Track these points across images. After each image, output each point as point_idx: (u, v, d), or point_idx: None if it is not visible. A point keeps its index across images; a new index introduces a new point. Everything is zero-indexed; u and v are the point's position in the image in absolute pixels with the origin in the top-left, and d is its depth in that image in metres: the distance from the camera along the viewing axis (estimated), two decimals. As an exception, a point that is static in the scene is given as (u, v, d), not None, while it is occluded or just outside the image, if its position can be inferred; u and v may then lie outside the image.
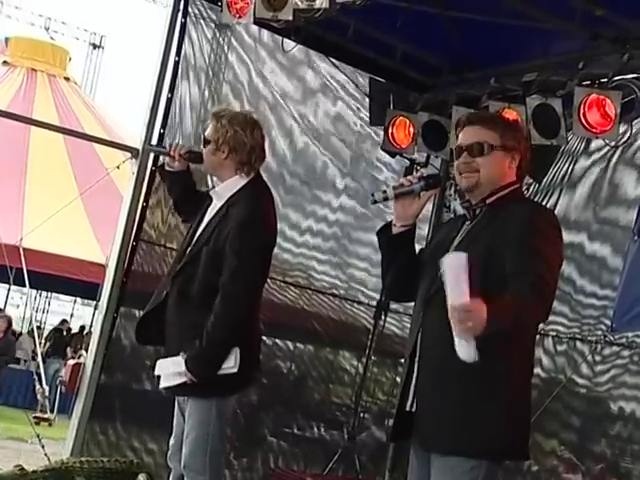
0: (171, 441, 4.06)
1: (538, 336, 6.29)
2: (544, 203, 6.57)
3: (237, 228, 3.83)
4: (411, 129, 6.73)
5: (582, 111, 5.54)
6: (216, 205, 3.99)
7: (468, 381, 2.98)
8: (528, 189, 6.71)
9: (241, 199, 3.93)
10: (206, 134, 4.04)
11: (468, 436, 2.95)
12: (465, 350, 2.80)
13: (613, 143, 5.84)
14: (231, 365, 3.79)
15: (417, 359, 3.18)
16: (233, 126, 3.98)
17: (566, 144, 6.15)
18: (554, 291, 3.09)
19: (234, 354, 3.79)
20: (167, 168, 4.21)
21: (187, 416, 3.87)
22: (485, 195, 3.22)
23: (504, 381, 3.06)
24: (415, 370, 3.18)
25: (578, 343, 6.23)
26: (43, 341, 17.05)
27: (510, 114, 5.94)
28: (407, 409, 3.17)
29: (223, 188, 4.00)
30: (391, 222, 3.33)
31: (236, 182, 3.98)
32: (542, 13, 5.61)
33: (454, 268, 2.82)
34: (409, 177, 3.33)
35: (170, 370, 3.85)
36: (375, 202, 3.35)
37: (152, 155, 6.29)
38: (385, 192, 3.28)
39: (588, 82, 5.68)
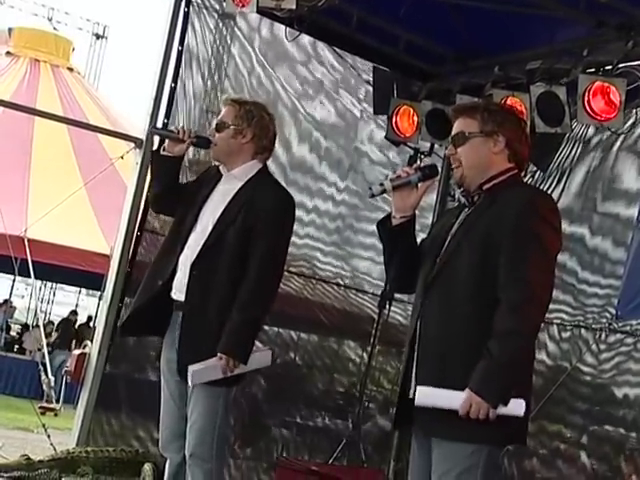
0: (163, 430, 4.03)
1: (543, 324, 6.40)
2: (549, 191, 6.58)
3: (272, 212, 3.89)
4: (415, 118, 6.72)
5: (586, 99, 5.53)
6: (230, 188, 3.98)
7: (468, 366, 2.98)
8: (533, 177, 6.72)
9: (266, 182, 4.00)
10: (223, 119, 4.03)
11: (468, 421, 2.94)
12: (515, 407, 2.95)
13: (618, 130, 5.83)
14: None
15: (417, 346, 3.19)
16: (259, 111, 4.04)
17: (571, 132, 6.14)
18: (550, 282, 3.09)
19: None
20: (164, 153, 4.16)
21: (192, 404, 3.86)
22: (481, 182, 3.22)
23: None
24: (415, 357, 3.19)
25: (583, 331, 6.24)
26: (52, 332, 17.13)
27: (513, 102, 5.95)
28: (409, 396, 3.17)
29: (240, 171, 4.00)
30: (390, 214, 3.34)
31: (254, 166, 4.01)
32: (546, 0, 5.59)
33: (429, 398, 2.99)
34: (405, 168, 3.34)
35: (203, 365, 3.81)
36: (373, 195, 3.37)
37: (156, 144, 6.28)
38: (382, 185, 3.29)
39: (592, 69, 5.66)
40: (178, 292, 3.92)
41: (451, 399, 2.98)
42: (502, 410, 2.93)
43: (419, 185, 3.28)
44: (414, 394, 3.12)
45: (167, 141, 4.16)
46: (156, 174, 4.26)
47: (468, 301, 3.07)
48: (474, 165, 3.23)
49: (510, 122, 3.26)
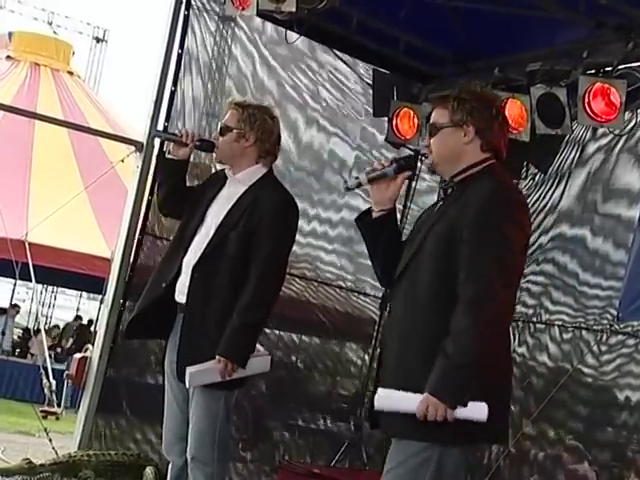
0: (165, 433, 4.04)
1: (544, 325, 6.40)
2: (549, 193, 6.58)
3: (274, 215, 3.88)
4: (415, 120, 6.72)
5: (587, 100, 5.53)
6: (234, 191, 3.99)
7: (429, 365, 2.93)
8: (533, 179, 6.72)
9: (270, 186, 3.98)
10: (226, 122, 4.04)
11: (425, 421, 2.89)
12: (476, 410, 2.89)
13: (618, 132, 5.83)
14: None
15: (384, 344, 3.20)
16: (263, 115, 4.04)
17: (571, 133, 6.14)
18: (512, 278, 3.00)
19: None
20: (169, 156, 4.17)
21: (193, 407, 3.87)
22: (454, 174, 3.18)
23: None
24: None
25: (584, 332, 6.23)
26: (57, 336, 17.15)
27: (513, 103, 5.94)
28: None
29: (244, 175, 4.00)
30: (370, 208, 3.31)
31: (257, 170, 4.01)
32: (546, 2, 5.59)
33: (386, 401, 2.96)
34: (382, 161, 3.31)
35: (202, 367, 3.82)
36: (349, 189, 3.35)
37: (157, 148, 6.28)
38: (358, 178, 3.27)
39: (593, 71, 5.66)
40: (181, 295, 3.92)
41: (409, 401, 2.93)
42: (463, 414, 2.88)
43: (396, 177, 3.25)
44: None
45: (172, 145, 4.16)
46: (162, 177, 4.27)
47: (430, 297, 3.02)
48: (444, 156, 3.19)
49: (480, 110, 3.17)
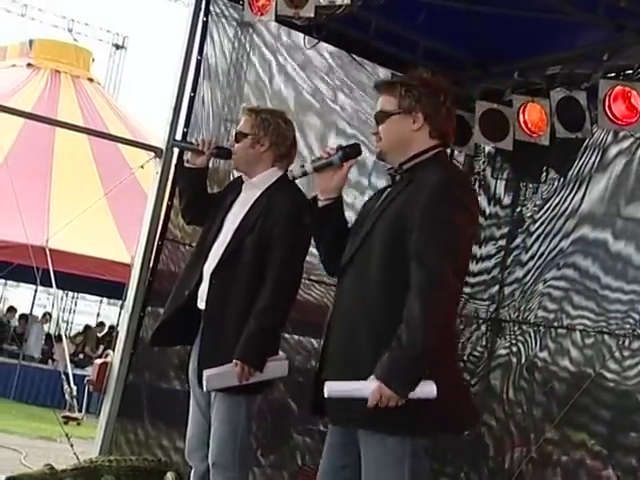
0: (189, 438, 4.05)
1: (565, 330, 6.36)
2: (570, 197, 6.54)
3: (288, 217, 3.88)
4: (434, 124, 6.69)
5: (607, 103, 5.50)
6: (250, 196, 3.99)
7: (376, 353, 2.91)
8: (553, 183, 6.69)
9: (284, 189, 3.96)
10: (241, 129, 4.05)
11: (389, 411, 2.87)
12: (426, 389, 2.86)
13: (639, 135, 5.80)
14: None
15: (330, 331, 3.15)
16: (276, 119, 4.05)
17: (591, 137, 6.11)
18: (461, 266, 3.01)
19: None
20: (187, 165, 4.19)
21: (214, 412, 3.87)
22: (402, 161, 3.16)
23: None
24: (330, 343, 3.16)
25: (606, 337, 6.18)
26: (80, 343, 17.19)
27: (533, 107, 5.91)
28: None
29: (260, 179, 4.02)
30: (316, 197, 3.29)
31: (273, 174, 4.02)
32: (565, 5, 5.56)
33: (335, 391, 2.93)
34: (327, 149, 3.26)
35: (219, 371, 3.81)
36: (294, 178, 3.33)
37: (176, 154, 6.30)
38: (303, 167, 3.25)
39: (613, 74, 5.64)
40: (202, 301, 3.93)
41: (361, 390, 2.90)
42: (415, 395, 2.86)
43: (342, 165, 3.23)
44: (327, 380, 3.07)
45: (189, 153, 4.18)
46: (182, 185, 4.30)
47: (380, 285, 3.00)
48: (393, 143, 3.17)
49: (428, 97, 3.15)
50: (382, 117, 3.19)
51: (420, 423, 2.93)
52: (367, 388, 2.89)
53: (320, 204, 3.26)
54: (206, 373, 3.81)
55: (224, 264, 3.89)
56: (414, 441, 2.97)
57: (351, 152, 3.26)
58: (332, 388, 2.97)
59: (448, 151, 6.92)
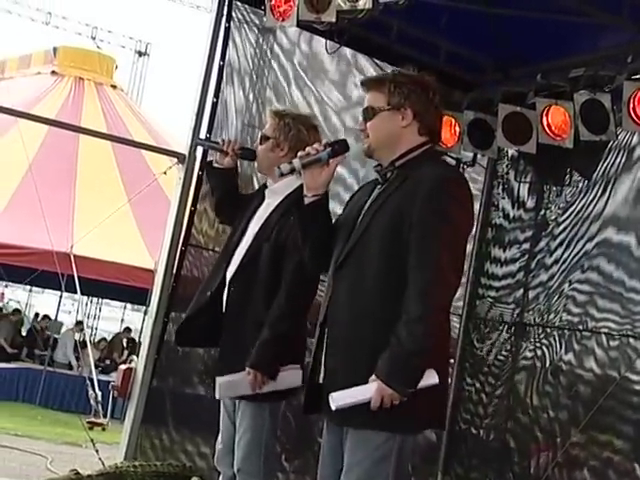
0: (218, 444, 4.05)
1: (590, 333, 6.33)
2: (594, 200, 6.50)
3: None
4: (457, 128, 6.68)
5: (632, 105, 5.46)
6: (271, 202, 3.99)
7: (377, 351, 2.91)
8: (577, 185, 6.65)
9: (301, 197, 3.95)
10: (264, 131, 4.05)
11: (379, 409, 2.87)
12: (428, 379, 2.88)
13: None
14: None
15: (327, 329, 3.13)
16: (297, 125, 4.03)
17: (615, 139, 6.07)
18: (459, 264, 3.01)
19: None
20: (215, 165, 4.19)
21: (239, 418, 3.87)
22: (393, 158, 3.14)
23: None
24: (325, 340, 3.12)
25: (631, 340, 6.14)
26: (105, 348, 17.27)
27: (556, 110, 5.88)
28: (319, 381, 3.11)
29: (281, 185, 3.98)
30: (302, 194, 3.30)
31: (293, 181, 3.99)
32: (589, 7, 5.54)
33: (342, 402, 2.91)
34: (315, 145, 3.24)
35: (231, 378, 3.80)
36: (282, 174, 3.32)
37: (199, 160, 6.32)
38: (291, 163, 3.23)
39: (637, 76, 5.60)
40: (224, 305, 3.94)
41: (364, 393, 2.89)
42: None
43: (330, 162, 3.21)
44: (324, 379, 3.08)
45: (217, 154, 4.18)
46: (212, 185, 4.29)
47: (377, 282, 2.99)
48: (382, 140, 3.16)
49: (417, 93, 3.15)
50: (371, 113, 3.18)
51: (409, 420, 2.94)
52: (370, 391, 2.89)
53: (306, 201, 3.25)
54: (219, 381, 3.81)
55: (242, 271, 3.89)
56: (402, 438, 2.97)
57: (339, 148, 3.24)
58: (338, 399, 2.96)
59: (469, 155, 6.97)
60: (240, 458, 3.84)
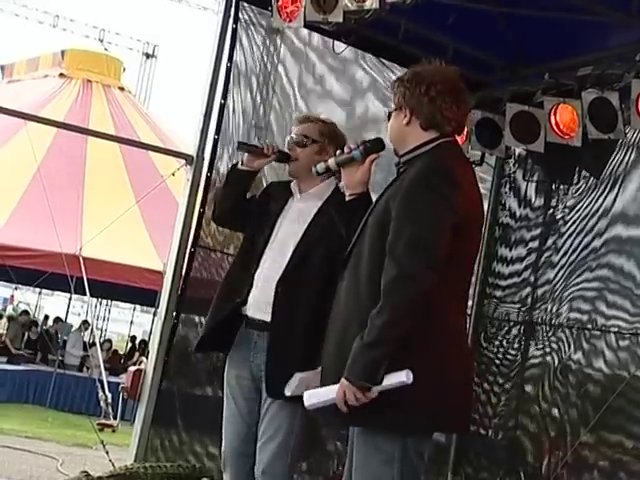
0: (226, 446, 3.95)
1: (599, 332, 6.31)
2: (602, 196, 6.48)
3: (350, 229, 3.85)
4: (465, 127, 6.67)
5: (640, 103, 5.45)
6: (311, 206, 3.94)
7: None
8: (586, 182, 6.63)
9: (343, 202, 3.93)
10: (309, 134, 4.00)
11: (385, 410, 2.86)
12: (395, 378, 2.82)
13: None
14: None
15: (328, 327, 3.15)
16: (338, 131, 4.07)
17: (624, 137, 6.06)
18: (431, 255, 2.87)
19: None
20: (242, 167, 4.15)
21: (267, 420, 3.79)
22: (402, 154, 3.18)
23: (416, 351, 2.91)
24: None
25: (641, 339, 6.12)
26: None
27: (564, 109, 5.86)
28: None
29: (319, 189, 3.96)
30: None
31: (330, 184, 3.96)
32: (596, 5, 5.53)
33: (313, 403, 2.93)
34: (349, 144, 3.31)
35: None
36: (318, 173, 3.37)
37: (207, 161, 6.33)
38: (327, 162, 3.29)
39: (645, 74, 5.59)
40: (255, 310, 3.86)
41: (333, 394, 2.89)
42: (382, 387, 2.83)
43: (365, 160, 3.25)
44: (321, 377, 3.08)
45: (245, 155, 4.14)
46: (231, 189, 4.18)
47: (368, 282, 2.98)
48: (394, 139, 3.23)
49: (410, 90, 3.17)
50: (388, 115, 3.27)
51: (411, 421, 2.91)
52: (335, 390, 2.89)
53: (347, 199, 3.33)
54: (298, 376, 3.72)
55: (290, 274, 3.81)
56: (405, 440, 2.95)
57: (373, 147, 3.27)
58: (309, 399, 2.96)
59: (478, 154, 6.96)
60: (265, 461, 3.75)
